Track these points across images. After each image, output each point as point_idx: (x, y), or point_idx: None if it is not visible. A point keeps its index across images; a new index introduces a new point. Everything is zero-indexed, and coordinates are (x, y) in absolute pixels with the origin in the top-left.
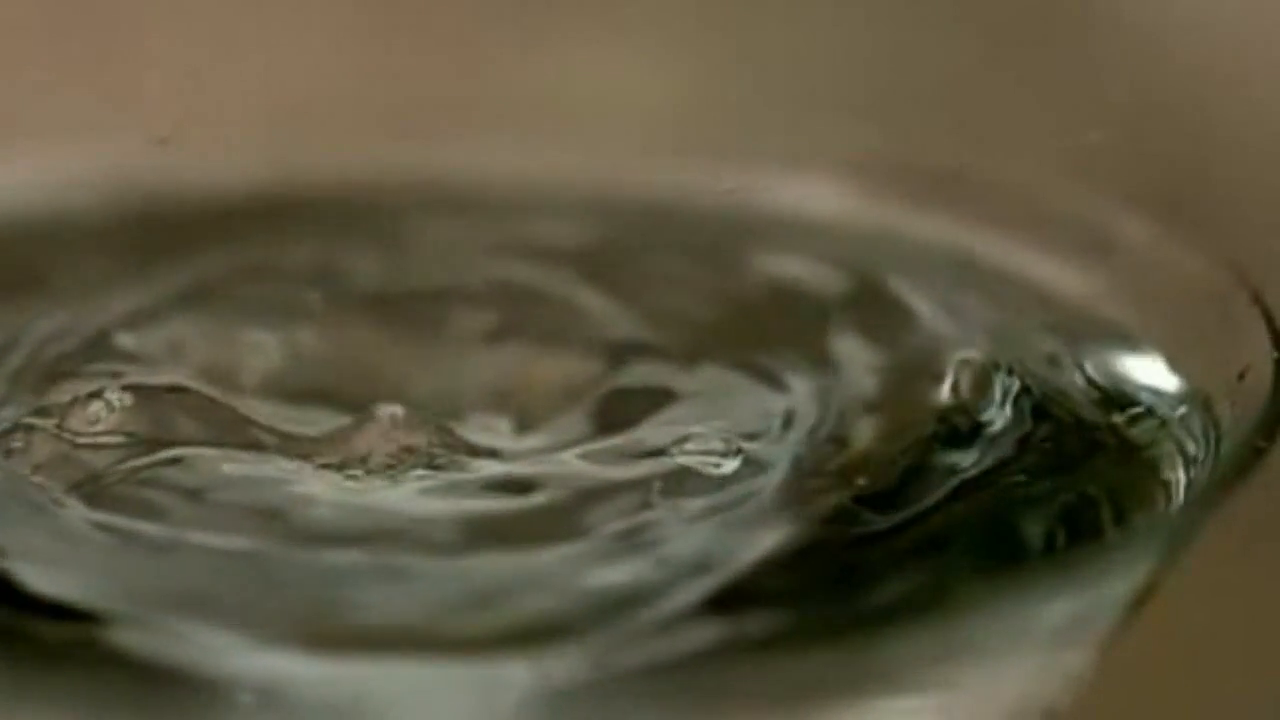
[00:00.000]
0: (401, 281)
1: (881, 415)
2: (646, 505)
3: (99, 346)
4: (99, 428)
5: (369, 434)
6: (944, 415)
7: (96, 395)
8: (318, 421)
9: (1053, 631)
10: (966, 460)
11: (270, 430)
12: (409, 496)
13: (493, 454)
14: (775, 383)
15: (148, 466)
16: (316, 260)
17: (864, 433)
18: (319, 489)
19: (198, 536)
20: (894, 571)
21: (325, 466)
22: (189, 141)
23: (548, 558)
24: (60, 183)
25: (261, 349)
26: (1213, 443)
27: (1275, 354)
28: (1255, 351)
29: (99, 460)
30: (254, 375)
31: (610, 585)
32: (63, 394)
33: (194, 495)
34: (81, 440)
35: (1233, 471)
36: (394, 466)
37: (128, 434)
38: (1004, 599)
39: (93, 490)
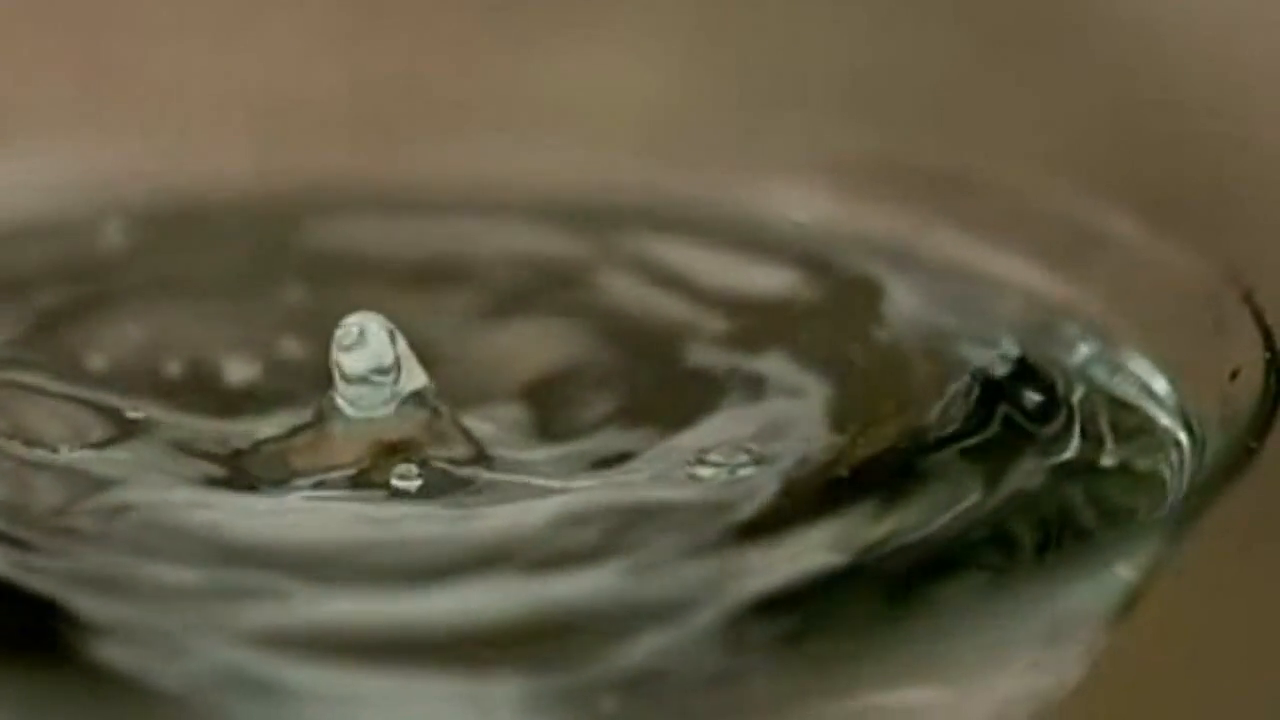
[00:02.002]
0: (398, 278)
1: (877, 417)
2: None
3: (73, 358)
4: (63, 450)
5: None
6: (942, 415)
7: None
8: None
9: (1043, 632)
10: (960, 459)
11: (247, 447)
12: (381, 513)
13: (489, 461)
14: (781, 386)
15: (116, 507)
16: (308, 259)
17: (856, 434)
18: (302, 516)
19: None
20: (888, 573)
21: (316, 485)
22: (185, 141)
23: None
24: (57, 182)
25: (247, 352)
26: (1204, 443)
27: (1267, 354)
28: (1247, 352)
29: (55, 494)
30: (236, 378)
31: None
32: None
33: (158, 532)
34: (41, 460)
35: (1224, 472)
36: (381, 471)
37: (95, 454)
38: (995, 601)
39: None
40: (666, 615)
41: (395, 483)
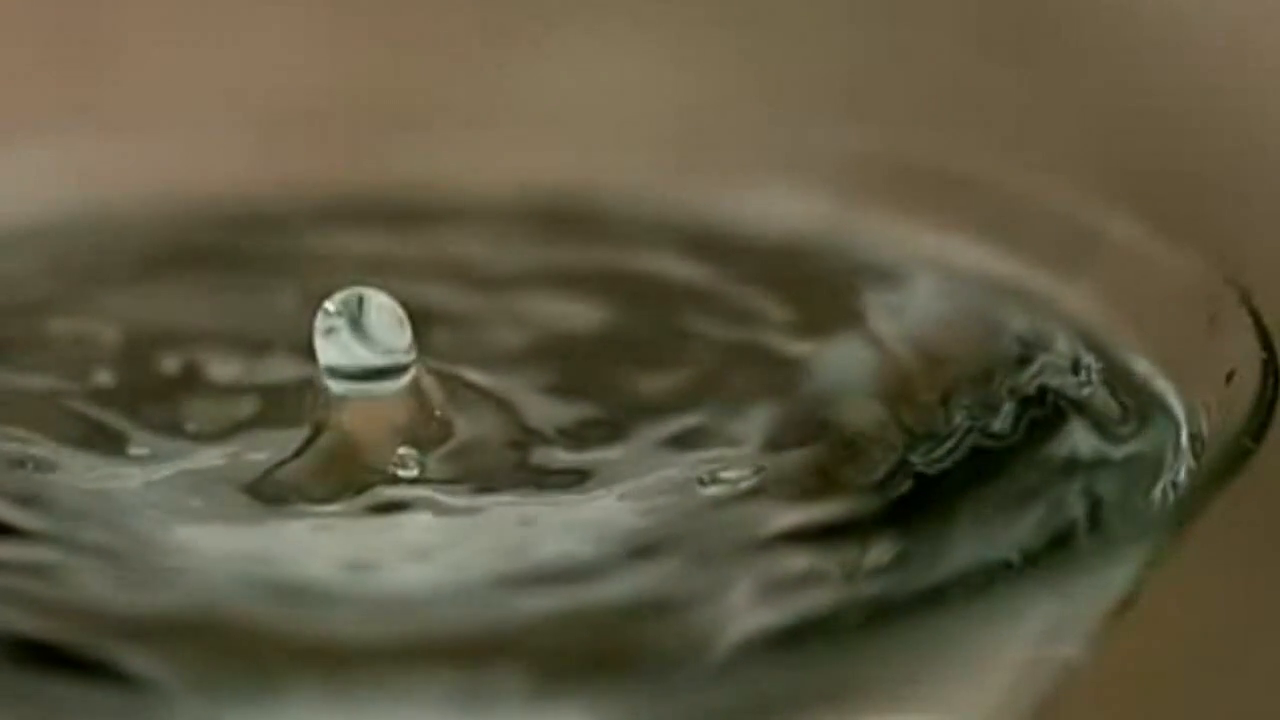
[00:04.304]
0: (396, 277)
1: (878, 415)
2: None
3: (65, 362)
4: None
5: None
6: (939, 415)
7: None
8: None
9: (1040, 632)
10: (957, 461)
11: (250, 471)
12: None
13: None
14: (781, 390)
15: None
16: (303, 263)
17: (856, 425)
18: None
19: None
20: (883, 577)
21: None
22: (181, 143)
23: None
24: (51, 184)
25: (240, 356)
26: (1200, 443)
27: (1263, 354)
28: (1243, 352)
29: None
30: (231, 383)
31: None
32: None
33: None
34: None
35: (1220, 472)
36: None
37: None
38: (992, 600)
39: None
40: (677, 636)
41: (399, 472)
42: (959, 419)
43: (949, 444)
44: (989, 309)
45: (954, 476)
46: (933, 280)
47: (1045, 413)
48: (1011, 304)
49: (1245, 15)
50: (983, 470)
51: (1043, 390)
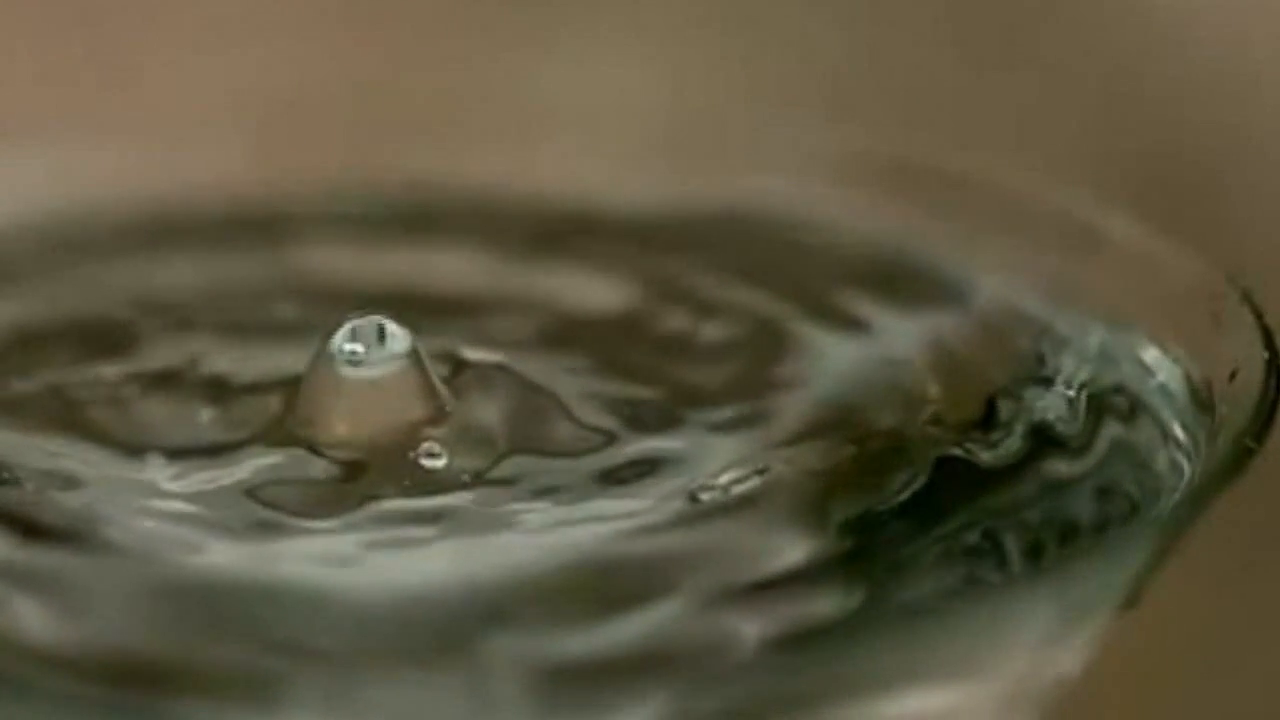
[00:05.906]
0: (397, 278)
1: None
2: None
3: (61, 367)
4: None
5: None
6: (943, 417)
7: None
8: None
9: (1042, 632)
10: (957, 460)
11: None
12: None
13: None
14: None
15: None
16: (302, 267)
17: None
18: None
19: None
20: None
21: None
22: (179, 145)
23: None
24: (54, 182)
25: (238, 361)
26: (1203, 443)
27: (1266, 354)
28: (1246, 352)
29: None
30: (228, 389)
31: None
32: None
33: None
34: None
35: (1221, 472)
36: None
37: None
38: (995, 601)
39: None
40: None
41: (424, 462)
42: (1003, 417)
43: (1002, 444)
44: (1010, 305)
45: (993, 476)
46: (939, 278)
47: (1107, 408)
48: (1036, 301)
49: (1245, 15)
50: (1024, 472)
51: (1113, 388)
